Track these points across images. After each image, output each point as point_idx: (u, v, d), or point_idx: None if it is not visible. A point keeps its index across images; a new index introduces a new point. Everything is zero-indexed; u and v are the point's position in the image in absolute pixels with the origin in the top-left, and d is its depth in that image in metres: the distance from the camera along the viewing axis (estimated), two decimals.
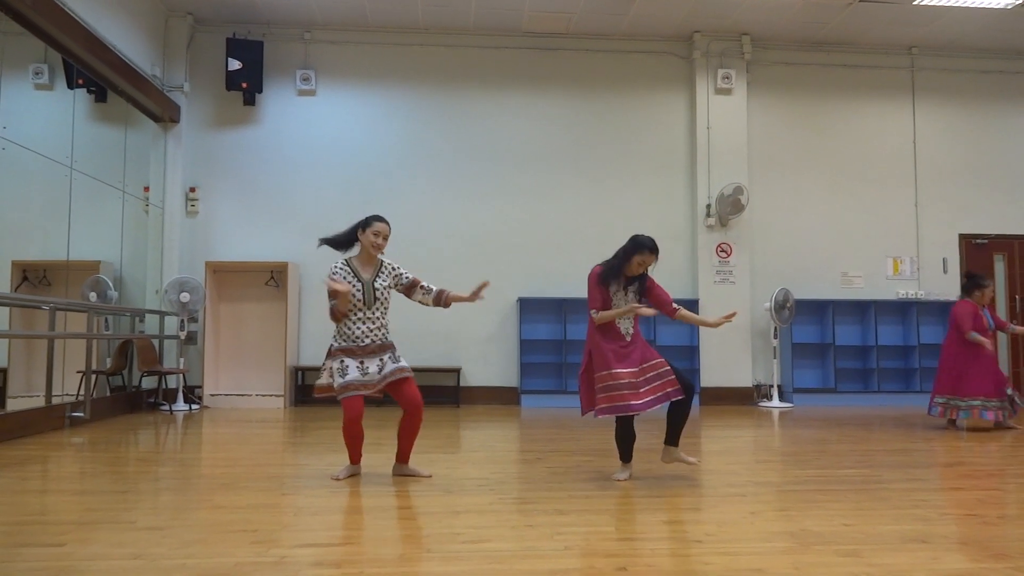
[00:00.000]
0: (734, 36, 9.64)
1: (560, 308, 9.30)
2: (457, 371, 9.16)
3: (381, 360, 4.36)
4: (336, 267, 4.45)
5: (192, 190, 9.15)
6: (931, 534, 3.20)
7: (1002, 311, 9.90)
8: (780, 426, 7.33)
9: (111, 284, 8.10)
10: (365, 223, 4.49)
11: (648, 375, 4.32)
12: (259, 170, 9.31)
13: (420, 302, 4.58)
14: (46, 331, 6.62)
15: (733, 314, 4.54)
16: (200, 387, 8.73)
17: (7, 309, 7.01)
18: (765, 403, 9.27)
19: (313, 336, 9.19)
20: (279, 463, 5.13)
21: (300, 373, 9.10)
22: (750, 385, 9.48)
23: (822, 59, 9.97)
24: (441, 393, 9.17)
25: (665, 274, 9.44)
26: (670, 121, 9.77)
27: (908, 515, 3.55)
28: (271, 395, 8.74)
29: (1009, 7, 8.73)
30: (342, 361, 4.32)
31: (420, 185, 9.45)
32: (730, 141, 9.60)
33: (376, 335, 4.38)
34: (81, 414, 6.80)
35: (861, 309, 9.81)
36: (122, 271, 8.49)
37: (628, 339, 4.41)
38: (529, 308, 9.33)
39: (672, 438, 4.50)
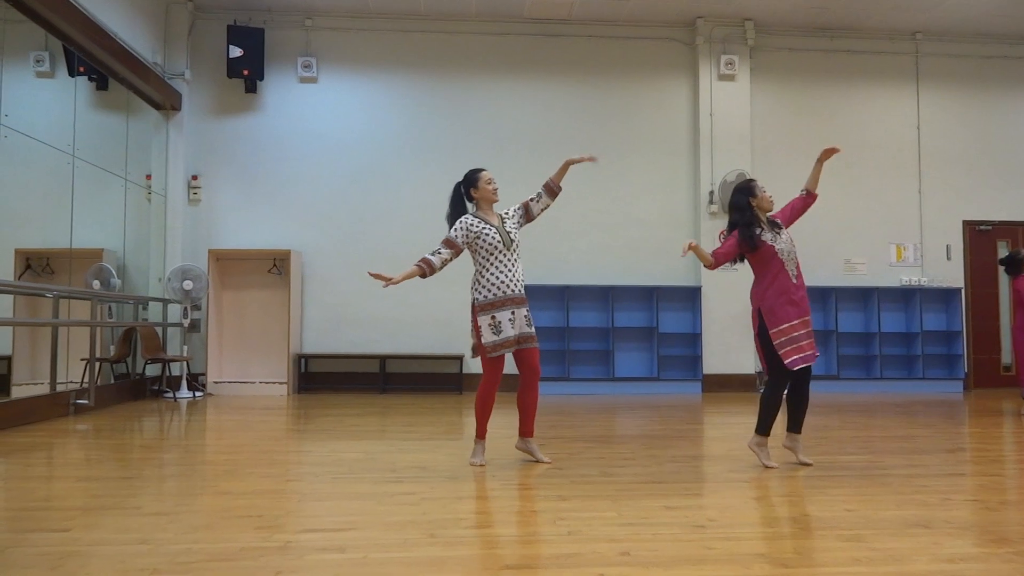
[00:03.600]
0: (737, 22, 9.58)
1: (563, 295, 9.30)
2: (459, 358, 9.16)
3: (524, 315, 4.36)
4: (465, 220, 4.41)
5: (194, 178, 9.14)
6: (933, 519, 3.21)
7: (1004, 298, 9.88)
8: (782, 413, 7.32)
9: (114, 272, 8.11)
10: (471, 181, 4.51)
11: (807, 329, 4.32)
12: (261, 157, 9.30)
13: (543, 210, 4.56)
14: (50, 319, 6.64)
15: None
16: (204, 374, 8.77)
17: (11, 297, 7.02)
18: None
19: (316, 323, 9.21)
20: (283, 450, 5.15)
21: (303, 360, 9.13)
22: (752, 372, 9.48)
23: (825, 45, 9.91)
24: (443, 380, 9.19)
25: (667, 260, 9.53)
26: (673, 107, 9.74)
27: (910, 500, 3.56)
28: (274, 382, 8.76)
29: None
30: (493, 317, 4.30)
31: (422, 171, 9.43)
32: (733, 127, 9.56)
33: (519, 284, 4.37)
34: (85, 401, 6.83)
35: (864, 296, 9.80)
36: (125, 259, 8.50)
37: (795, 281, 4.36)
38: (531, 295, 9.29)
39: (795, 424, 4.46)
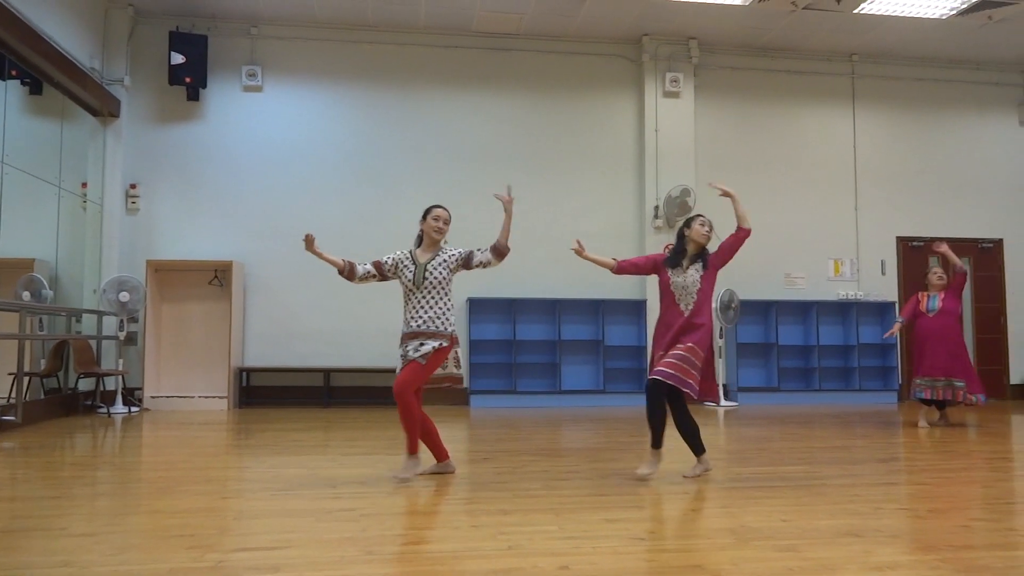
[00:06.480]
0: (682, 40, 9.77)
1: (510, 308, 9.31)
2: None
3: (418, 345, 4.26)
4: (398, 252, 4.49)
5: (133, 187, 8.91)
6: (864, 528, 3.29)
7: None
8: (725, 424, 7.46)
9: (46, 283, 7.83)
10: (426, 212, 4.48)
11: (678, 352, 4.30)
12: (203, 167, 9.11)
13: (484, 265, 4.44)
14: None
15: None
16: (140, 389, 8.51)
17: None
18: (710, 402, 9.42)
19: (258, 336, 9.03)
20: (221, 466, 5.02)
21: (245, 374, 8.93)
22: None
23: (767, 64, 10.18)
24: (388, 394, 9.02)
25: (613, 274, 9.60)
26: (619, 123, 9.87)
27: (843, 510, 3.64)
28: (214, 396, 8.55)
29: (943, 17, 9.03)
30: (403, 347, 4.34)
31: (367, 184, 9.36)
32: (678, 143, 9.72)
33: (421, 321, 4.29)
34: (12, 418, 6.55)
35: (803, 309, 10.04)
36: (58, 269, 8.22)
37: (687, 314, 4.39)
38: (478, 308, 9.32)
39: (692, 449, 4.53)
